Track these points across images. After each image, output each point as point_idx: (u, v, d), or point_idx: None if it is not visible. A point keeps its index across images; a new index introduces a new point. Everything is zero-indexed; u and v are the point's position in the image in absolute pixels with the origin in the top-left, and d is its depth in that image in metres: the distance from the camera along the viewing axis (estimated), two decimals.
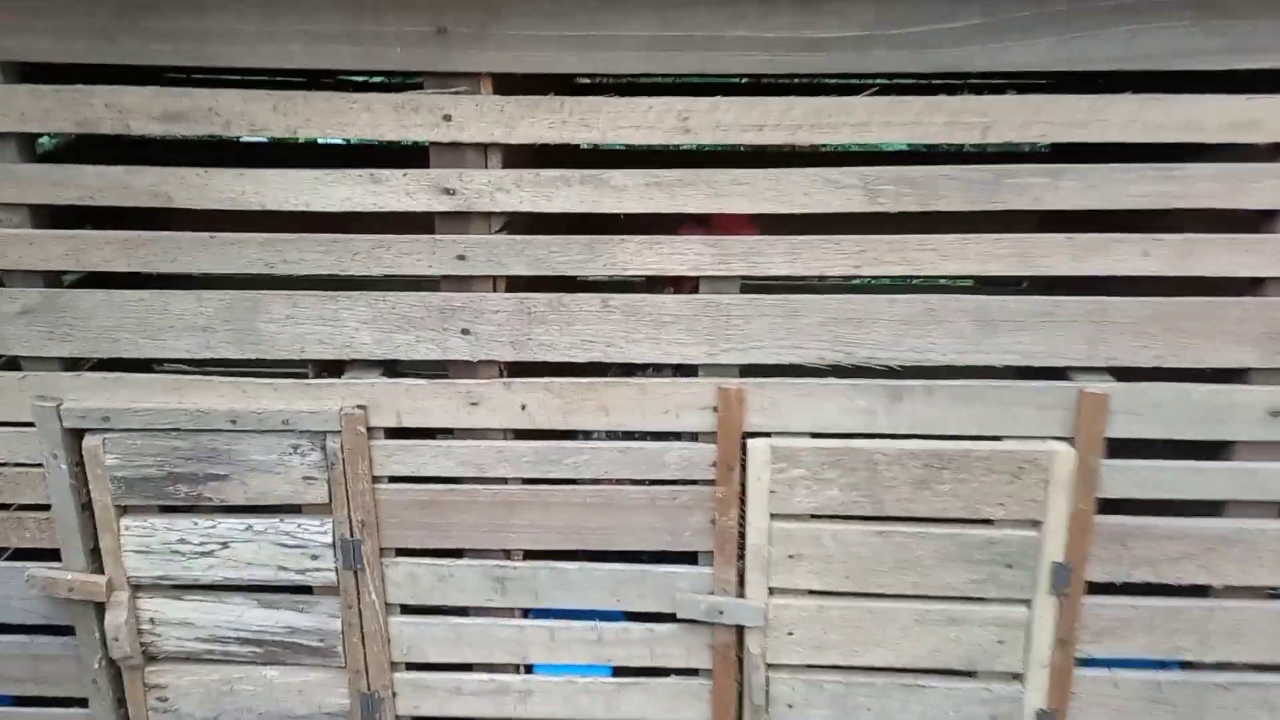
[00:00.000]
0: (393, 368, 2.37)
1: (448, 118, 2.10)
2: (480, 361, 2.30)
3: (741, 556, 2.41)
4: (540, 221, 2.22)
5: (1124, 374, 2.25)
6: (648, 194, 2.14)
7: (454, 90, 2.10)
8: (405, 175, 2.15)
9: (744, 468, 2.34)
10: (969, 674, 2.47)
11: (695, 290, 2.24)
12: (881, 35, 2.02)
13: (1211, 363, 2.22)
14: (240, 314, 2.27)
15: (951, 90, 2.08)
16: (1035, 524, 2.32)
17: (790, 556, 2.39)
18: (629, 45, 2.05)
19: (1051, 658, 2.42)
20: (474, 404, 2.33)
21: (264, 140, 3.09)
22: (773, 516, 2.36)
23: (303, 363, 2.35)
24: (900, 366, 2.26)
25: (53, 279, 2.30)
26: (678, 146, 2.19)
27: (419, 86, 2.11)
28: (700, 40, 2.04)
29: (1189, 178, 2.09)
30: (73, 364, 2.34)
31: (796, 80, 2.90)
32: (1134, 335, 2.20)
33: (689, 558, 2.45)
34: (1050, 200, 2.10)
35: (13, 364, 2.36)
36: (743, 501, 2.36)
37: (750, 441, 2.32)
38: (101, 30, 2.07)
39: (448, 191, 2.15)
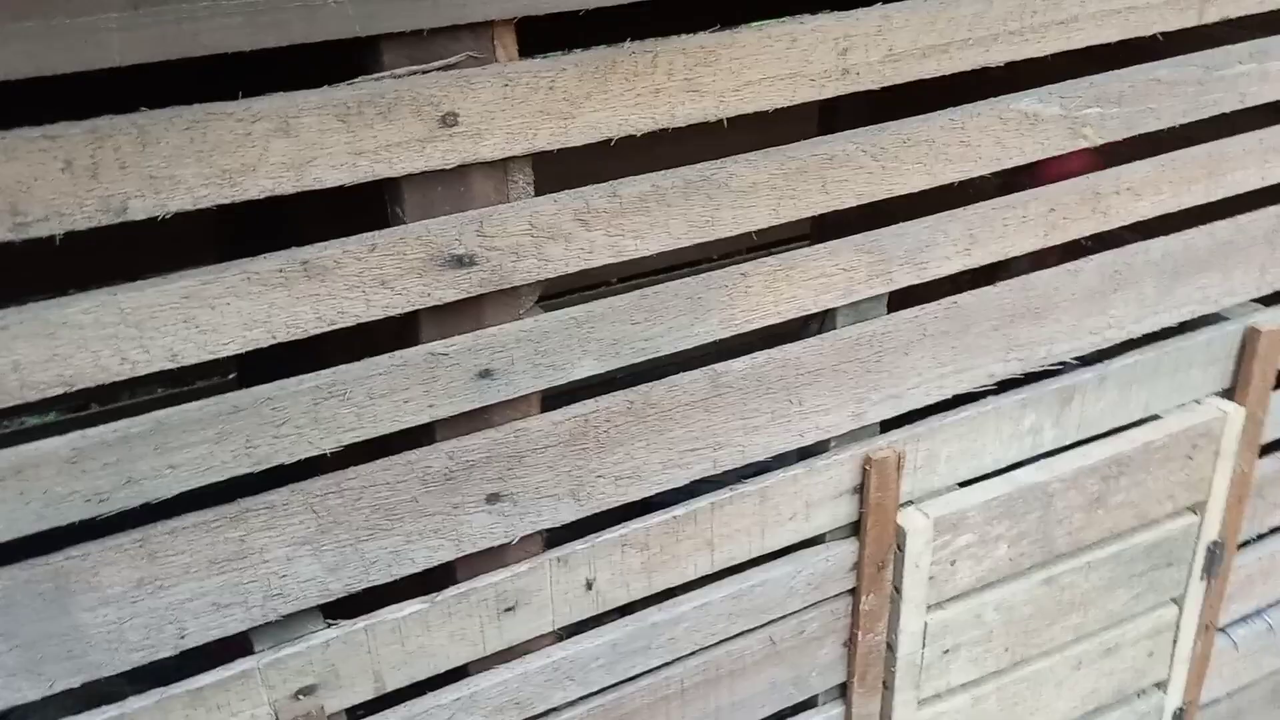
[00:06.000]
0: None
1: (450, 119, 1.05)
2: (520, 539, 1.30)
3: (889, 679, 1.67)
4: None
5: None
6: (776, 189, 1.27)
7: (454, 62, 1.05)
8: (372, 249, 1.07)
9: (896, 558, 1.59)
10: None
11: (827, 327, 1.42)
12: None
13: None
14: (40, 613, 1.05)
15: None
16: (1197, 507, 1.84)
17: (945, 652, 1.70)
18: None
19: (1194, 649, 1.98)
20: (509, 609, 1.33)
21: None
22: (930, 608, 1.65)
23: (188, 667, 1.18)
24: (1075, 359, 1.62)
25: None
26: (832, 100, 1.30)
27: (358, 73, 1.03)
28: None
29: None
30: None
31: None
32: None
33: (809, 704, 1.67)
34: (1255, 94, 1.55)
35: None
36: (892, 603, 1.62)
37: (904, 519, 1.56)
38: None
39: (459, 261, 1.11)
